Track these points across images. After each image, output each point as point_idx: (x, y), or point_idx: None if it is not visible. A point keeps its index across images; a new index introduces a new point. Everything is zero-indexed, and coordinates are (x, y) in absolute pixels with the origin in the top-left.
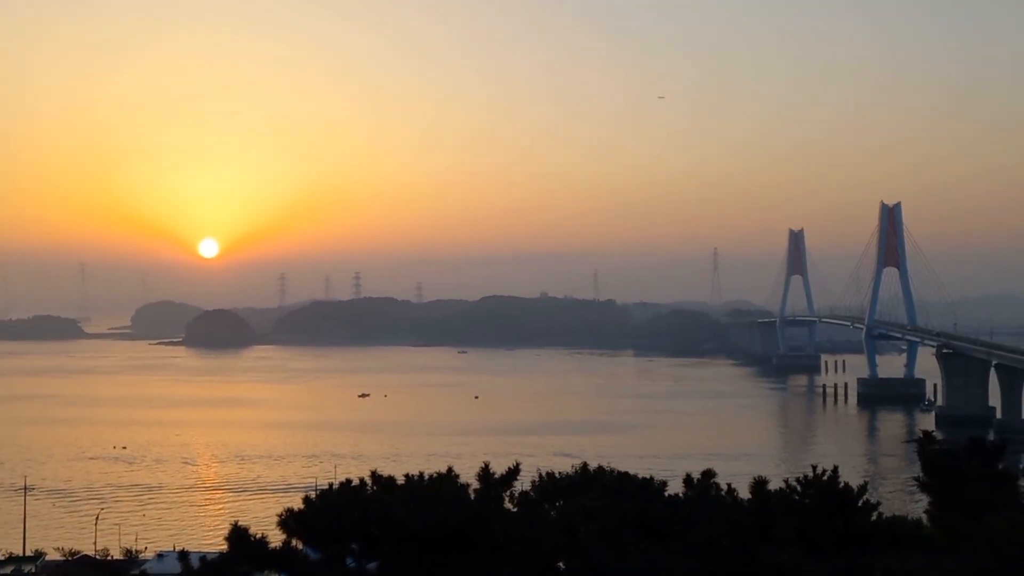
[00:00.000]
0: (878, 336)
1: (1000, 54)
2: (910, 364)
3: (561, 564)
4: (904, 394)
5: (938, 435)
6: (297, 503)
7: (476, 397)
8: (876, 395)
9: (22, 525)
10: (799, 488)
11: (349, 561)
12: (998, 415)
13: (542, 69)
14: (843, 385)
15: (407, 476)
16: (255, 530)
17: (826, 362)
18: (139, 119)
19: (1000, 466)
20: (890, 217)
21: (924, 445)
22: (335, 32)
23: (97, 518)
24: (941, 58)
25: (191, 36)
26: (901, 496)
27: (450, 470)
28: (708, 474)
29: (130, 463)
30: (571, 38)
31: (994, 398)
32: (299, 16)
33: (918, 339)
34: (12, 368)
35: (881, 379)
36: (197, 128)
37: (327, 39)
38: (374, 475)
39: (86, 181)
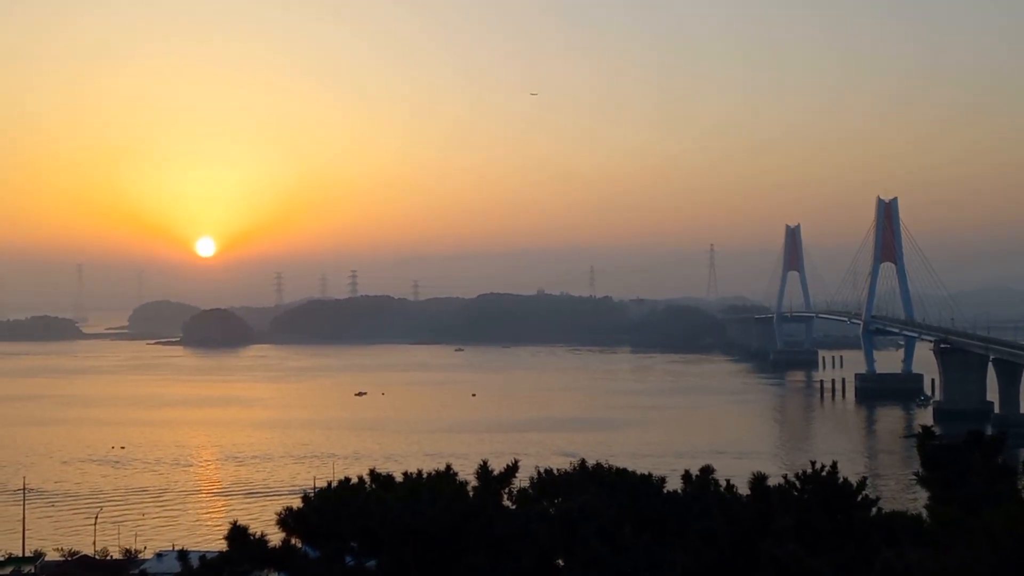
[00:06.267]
0: (875, 331)
1: (1001, 52)
2: (907, 359)
3: (560, 560)
4: (902, 389)
5: (936, 430)
6: (295, 502)
7: (473, 395)
8: (874, 390)
9: (21, 526)
10: (798, 484)
11: (348, 559)
12: (996, 409)
13: (553, 67)
14: (841, 380)
15: (405, 474)
16: (254, 529)
17: (823, 358)
18: (136, 119)
19: (999, 460)
20: (886, 212)
21: (923, 440)
22: (324, 35)
23: (96, 518)
24: (941, 57)
25: (184, 41)
26: (900, 491)
27: (448, 468)
28: (706, 470)
29: (129, 463)
30: (576, 33)
31: (992, 392)
32: (288, 19)
33: (915, 334)
34: (10, 369)
35: (879, 374)
36: (192, 128)
37: (316, 41)
38: (372, 473)
39: (84, 179)
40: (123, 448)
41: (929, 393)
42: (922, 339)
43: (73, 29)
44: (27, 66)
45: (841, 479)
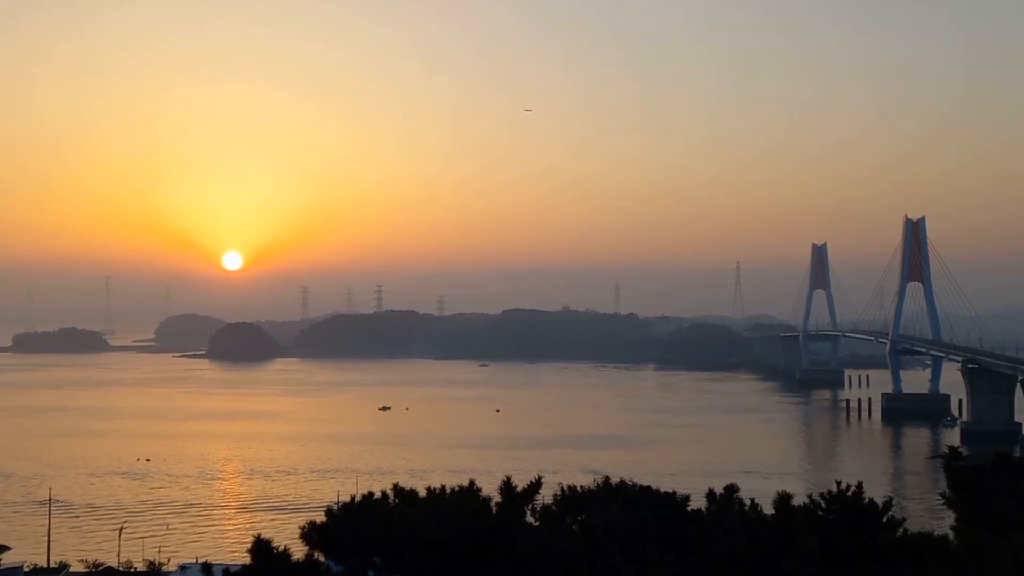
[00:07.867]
0: (902, 351)
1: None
2: (935, 379)
3: None
4: (928, 409)
5: (963, 451)
6: (319, 517)
7: (497, 411)
8: (900, 410)
9: (46, 537)
10: (823, 504)
11: (371, 573)
12: None
13: (571, 81)
14: (867, 400)
15: (429, 490)
16: (278, 543)
17: (850, 377)
18: (167, 136)
19: None
20: (914, 231)
21: (950, 461)
22: (330, 59)
23: (121, 530)
24: (965, 65)
25: (215, 65)
26: (926, 513)
27: (472, 484)
28: (731, 489)
29: (154, 476)
30: (601, 47)
31: (1020, 414)
32: (300, 49)
33: (943, 354)
34: (38, 380)
35: (905, 394)
36: (219, 144)
37: (324, 64)
38: (396, 488)
39: (115, 192)
40: (148, 460)
41: (956, 414)
42: (949, 359)
43: (137, 53)
44: (90, 80)
45: (867, 500)
